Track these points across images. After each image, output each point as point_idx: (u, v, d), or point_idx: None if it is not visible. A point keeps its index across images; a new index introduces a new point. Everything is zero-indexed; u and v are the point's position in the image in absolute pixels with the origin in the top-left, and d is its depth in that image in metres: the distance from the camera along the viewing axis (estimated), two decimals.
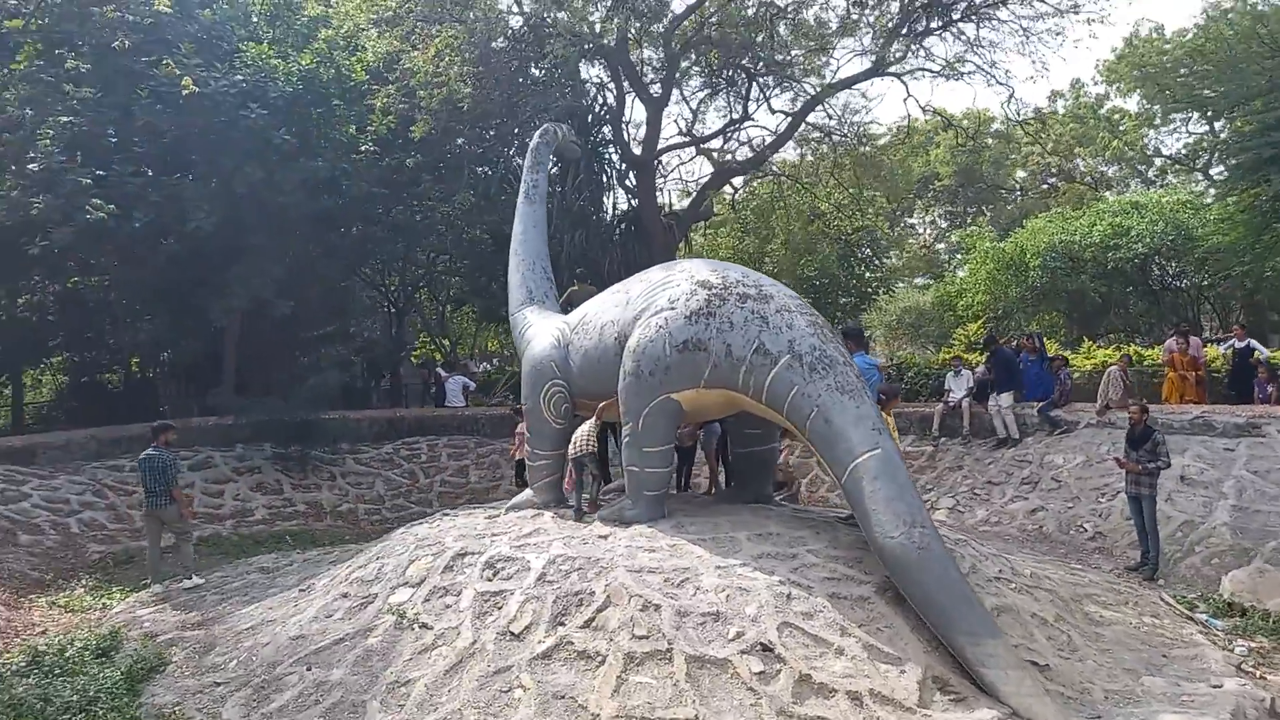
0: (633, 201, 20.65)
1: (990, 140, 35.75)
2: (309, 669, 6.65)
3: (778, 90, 18.69)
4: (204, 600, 8.99)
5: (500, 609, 6.77)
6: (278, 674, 6.68)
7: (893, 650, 6.18)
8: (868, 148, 22.21)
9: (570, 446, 8.47)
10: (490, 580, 7.14)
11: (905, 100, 34.05)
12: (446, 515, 9.88)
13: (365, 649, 6.73)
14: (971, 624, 6.13)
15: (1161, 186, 41.28)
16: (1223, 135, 40.84)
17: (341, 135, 16.20)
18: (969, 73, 17.82)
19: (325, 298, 20.03)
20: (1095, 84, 41.46)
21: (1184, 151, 42.66)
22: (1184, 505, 10.78)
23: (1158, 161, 43.65)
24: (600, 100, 20.18)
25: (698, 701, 5.60)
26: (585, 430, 8.47)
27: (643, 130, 19.32)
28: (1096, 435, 13.04)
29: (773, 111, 19.58)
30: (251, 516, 13.96)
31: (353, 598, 7.60)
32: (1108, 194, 41.90)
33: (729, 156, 20.90)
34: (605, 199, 20.52)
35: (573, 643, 6.25)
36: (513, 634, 6.48)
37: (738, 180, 25.07)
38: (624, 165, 20.26)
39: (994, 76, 17.86)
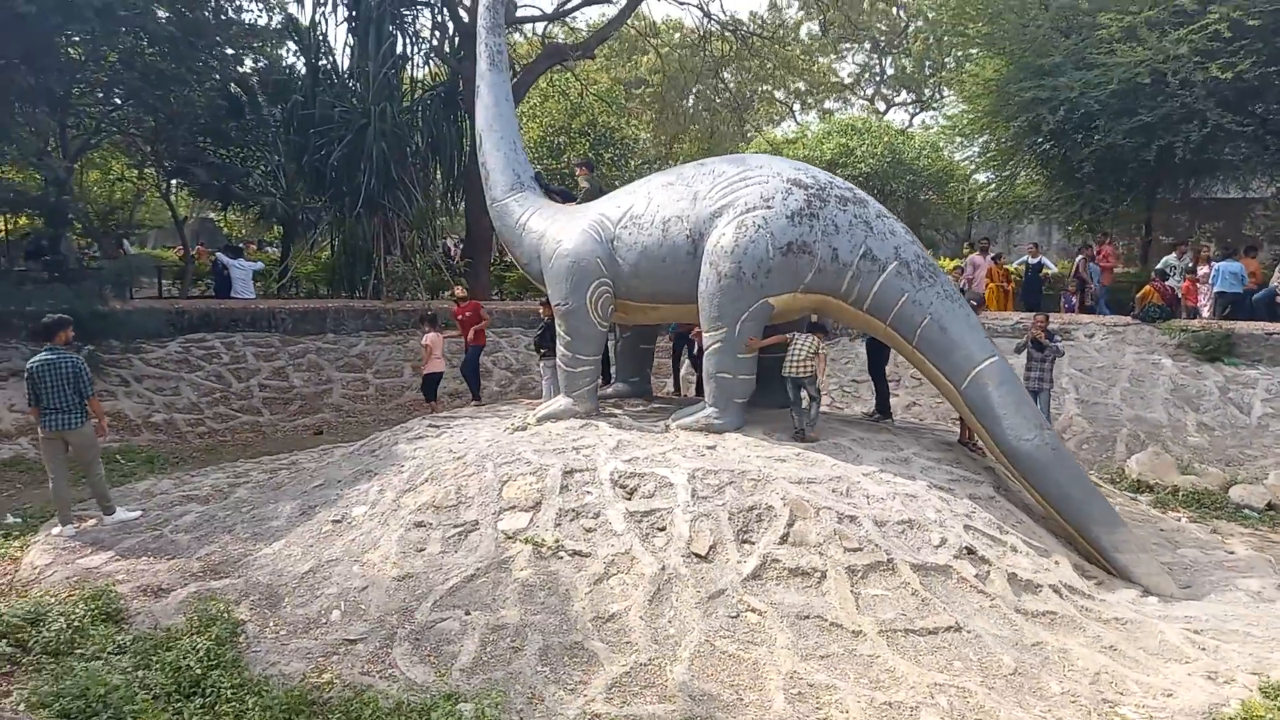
0: (432, 71, 18.70)
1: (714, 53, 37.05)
2: (467, 613, 5.68)
3: None
4: (170, 541, 7.14)
5: (664, 530, 6.26)
6: (423, 621, 5.63)
7: (1040, 544, 6.73)
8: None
9: (786, 366, 7.84)
10: (629, 499, 6.54)
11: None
12: (435, 426, 8.75)
13: (522, 584, 5.88)
14: (1104, 515, 6.85)
15: (824, 111, 46.03)
16: (888, 70, 46.26)
17: None
18: None
19: None
20: (789, 7, 44.58)
21: (848, 80, 47.88)
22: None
23: (824, 88, 47.98)
24: None
25: (946, 609, 5.70)
26: (805, 350, 7.82)
27: None
28: None
29: None
30: None
31: (439, 527, 6.54)
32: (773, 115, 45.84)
33: (558, 38, 19.59)
34: (407, 69, 18.36)
35: (779, 560, 6.00)
36: (698, 555, 6.05)
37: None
38: (437, 33, 18.21)
39: None
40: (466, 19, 17.31)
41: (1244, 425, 11.45)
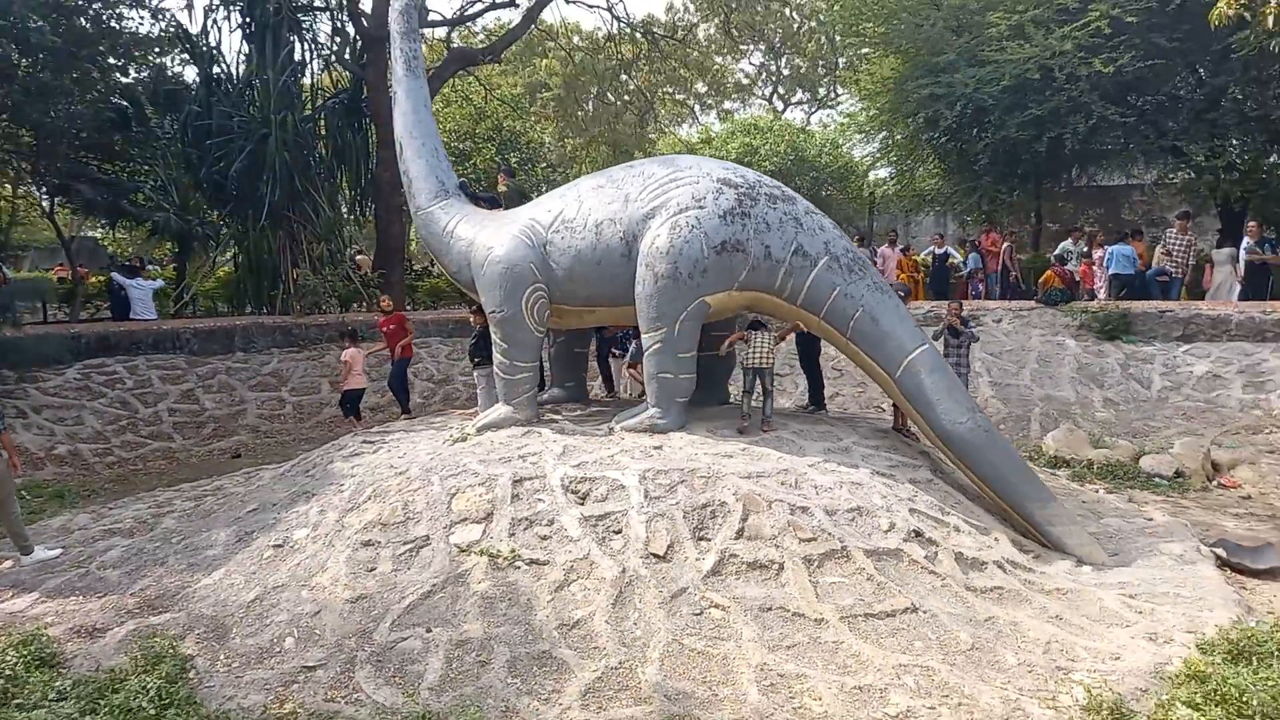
0: (333, 78, 18.16)
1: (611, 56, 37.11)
2: (428, 630, 5.56)
3: None
4: (98, 578, 6.76)
5: (621, 533, 6.25)
6: (384, 642, 5.48)
7: (980, 523, 6.98)
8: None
9: (750, 357, 8.06)
10: (582, 504, 6.50)
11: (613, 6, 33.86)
12: (369, 442, 8.53)
13: (481, 597, 5.79)
14: (1036, 491, 7.15)
15: (724, 112, 46.71)
16: (784, 70, 47.17)
17: None
18: None
19: None
20: (687, 12, 44.99)
21: (746, 81, 48.68)
22: None
23: (724, 89, 48.62)
24: None
25: (901, 591, 5.85)
26: (767, 342, 8.10)
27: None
28: None
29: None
30: None
31: (389, 544, 6.38)
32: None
33: (457, 44, 19.27)
34: (306, 76, 17.82)
35: (736, 555, 6.06)
36: (657, 556, 6.06)
37: None
38: (338, 39, 17.72)
39: None
40: (367, 25, 16.92)
41: (1146, 399, 12.11)
